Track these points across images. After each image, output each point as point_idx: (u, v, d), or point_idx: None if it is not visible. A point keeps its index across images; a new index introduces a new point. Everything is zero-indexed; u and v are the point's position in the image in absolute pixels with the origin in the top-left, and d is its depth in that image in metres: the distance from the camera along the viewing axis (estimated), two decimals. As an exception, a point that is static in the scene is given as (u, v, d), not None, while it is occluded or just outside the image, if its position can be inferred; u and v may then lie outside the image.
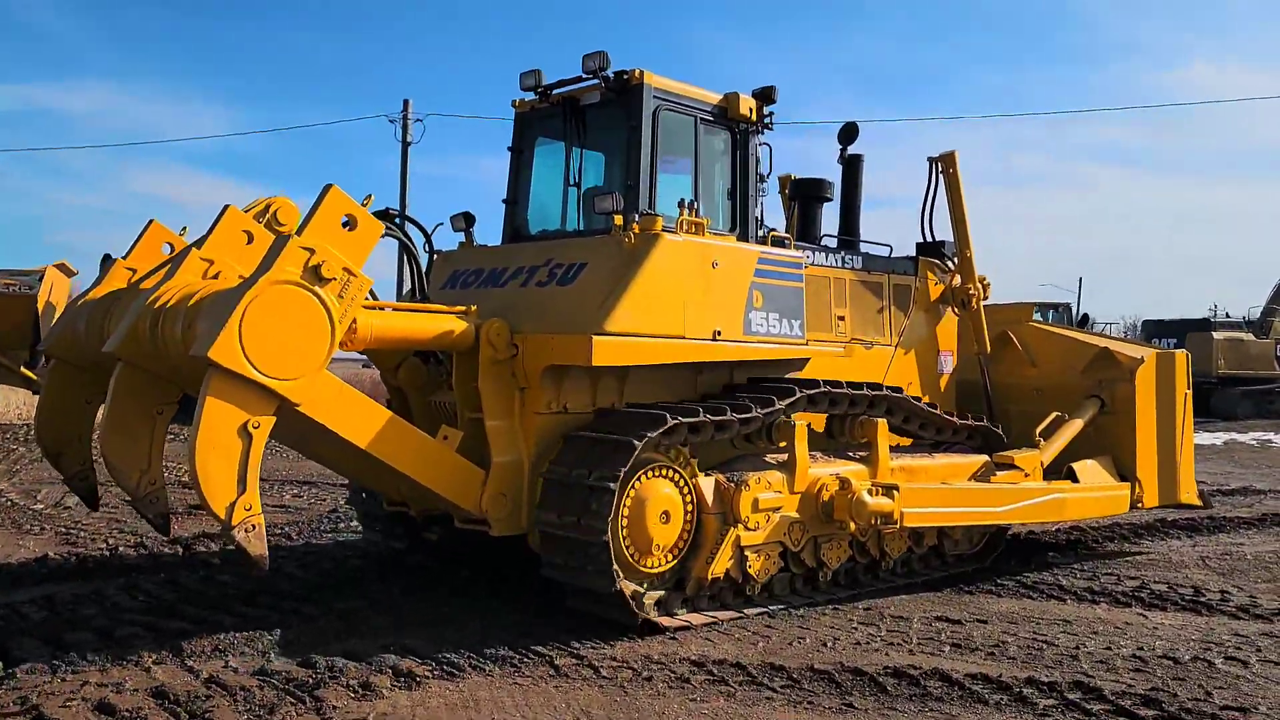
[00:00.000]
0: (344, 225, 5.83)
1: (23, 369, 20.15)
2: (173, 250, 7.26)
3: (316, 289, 5.61)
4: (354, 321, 6.08)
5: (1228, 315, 35.28)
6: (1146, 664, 6.19)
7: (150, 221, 7.40)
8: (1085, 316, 21.66)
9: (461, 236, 8.40)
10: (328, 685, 5.47)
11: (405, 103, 31.77)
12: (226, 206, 6.71)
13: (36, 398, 22.10)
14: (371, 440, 6.17)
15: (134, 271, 7.19)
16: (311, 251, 5.60)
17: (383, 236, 6.97)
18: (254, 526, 5.40)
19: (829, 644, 6.51)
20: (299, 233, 5.67)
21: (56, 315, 21.30)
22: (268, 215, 6.98)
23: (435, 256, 8.34)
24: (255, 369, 5.38)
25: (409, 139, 31.45)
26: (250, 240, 6.70)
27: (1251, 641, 6.71)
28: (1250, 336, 32.86)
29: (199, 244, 6.55)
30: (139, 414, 6.59)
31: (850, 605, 7.50)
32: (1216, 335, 31.66)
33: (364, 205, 5.95)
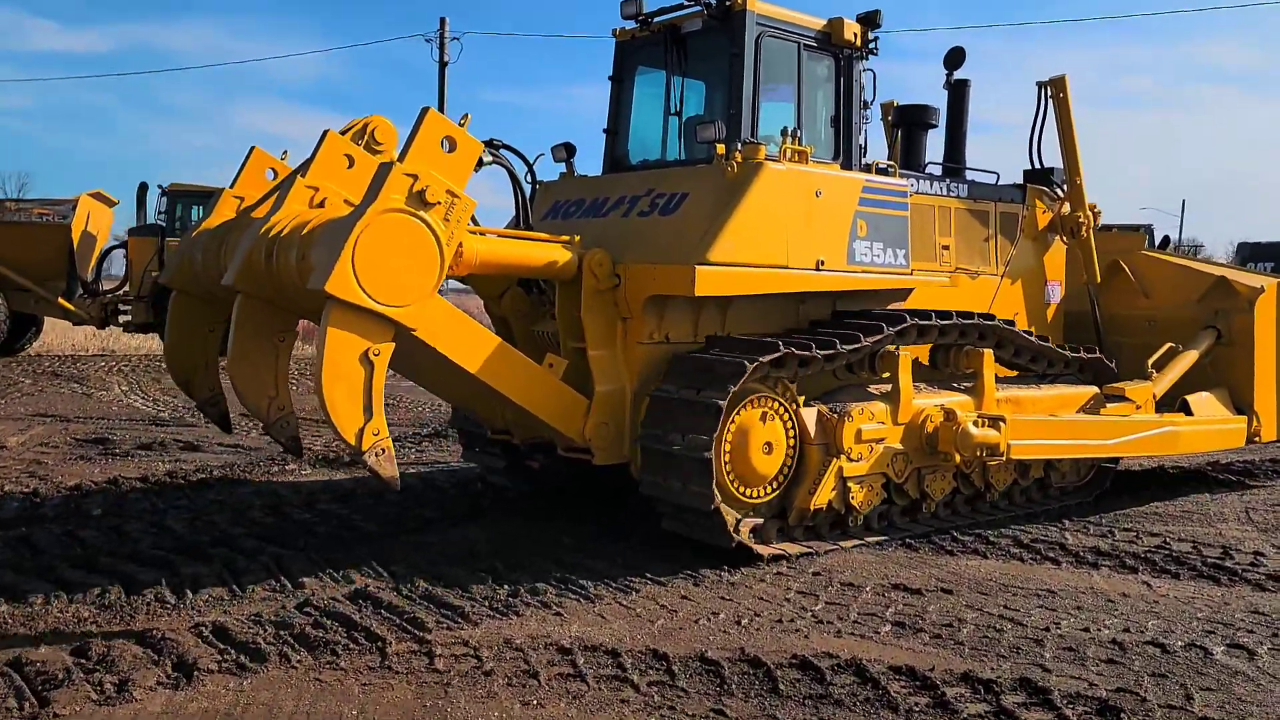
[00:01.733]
0: (444, 148, 5.86)
1: (60, 299, 20.61)
2: (276, 176, 7.42)
3: (423, 214, 5.69)
4: (460, 245, 6.15)
5: None
6: (1125, 653, 5.17)
7: (252, 149, 7.55)
8: (1166, 239, 20.38)
9: (563, 167, 8.41)
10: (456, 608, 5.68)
11: (441, 21, 30.76)
12: (326, 132, 6.77)
13: (79, 328, 22.75)
14: (481, 365, 6.28)
15: (242, 200, 7.35)
16: (415, 177, 5.66)
17: (488, 165, 7.07)
18: (383, 450, 5.61)
19: (744, 621, 5.55)
20: (400, 159, 5.72)
21: (98, 245, 21.68)
22: (365, 136, 7.02)
23: (537, 187, 8.37)
24: (371, 298, 5.51)
25: (446, 59, 30.51)
26: (351, 164, 6.77)
27: (1270, 622, 5.72)
28: None
29: (303, 171, 6.65)
30: (262, 343, 6.79)
31: (798, 571, 6.54)
32: None
33: (462, 125, 5.97)
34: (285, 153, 7.59)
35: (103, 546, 6.77)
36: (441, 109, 30.59)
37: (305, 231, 6.04)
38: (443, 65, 30.51)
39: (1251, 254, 31.41)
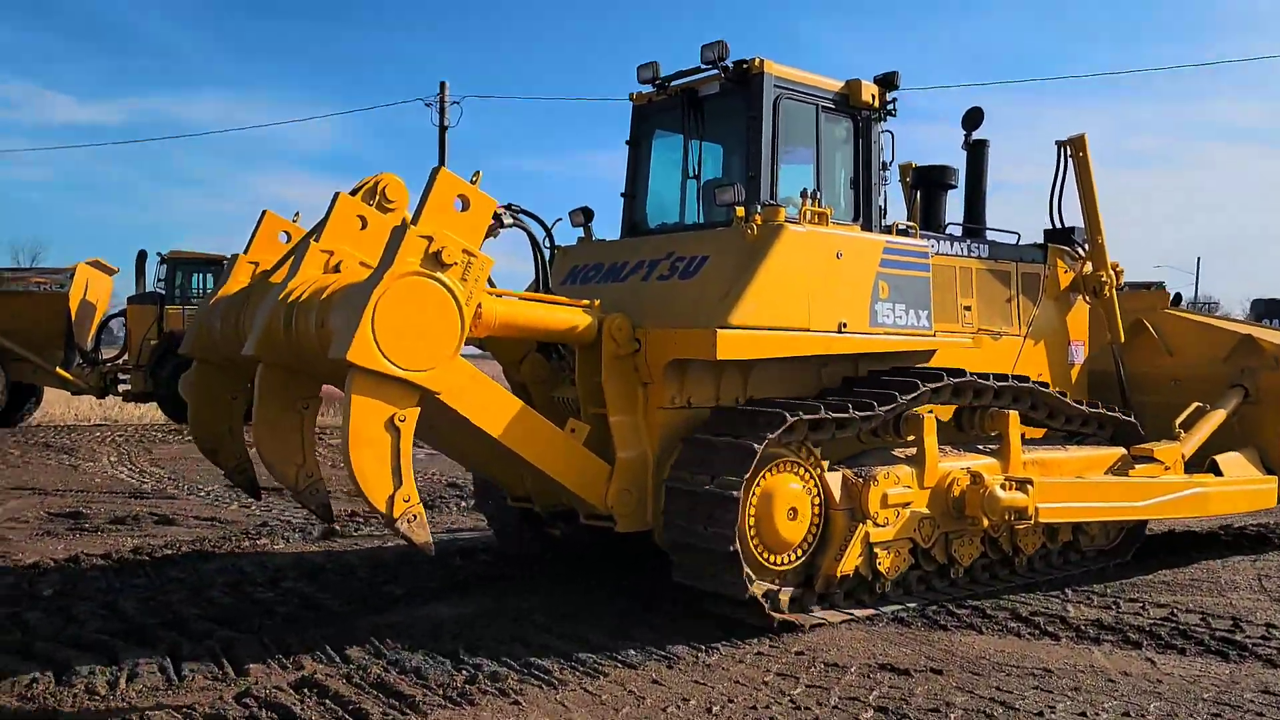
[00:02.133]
0: (457, 207, 5.82)
1: (59, 369, 20.59)
2: (290, 238, 7.41)
3: (440, 275, 5.63)
4: (479, 305, 6.10)
5: None
6: (1119, 742, 4.89)
7: (264, 212, 7.52)
8: (1178, 296, 20.18)
9: (580, 231, 8.39)
10: (473, 684, 5.55)
11: (442, 85, 30.84)
12: (337, 194, 6.76)
13: (82, 397, 22.61)
14: (504, 430, 6.20)
15: (256, 265, 7.34)
16: (430, 239, 5.60)
17: (508, 227, 7.05)
18: (415, 516, 5.52)
19: (716, 708, 5.21)
20: (414, 222, 5.68)
21: (97, 314, 21.69)
22: (377, 195, 7.02)
23: (555, 251, 8.35)
24: (393, 364, 5.45)
25: (446, 123, 30.54)
26: (364, 225, 6.77)
27: None
28: None
29: (316, 235, 6.63)
30: (285, 411, 6.74)
31: (781, 650, 6.21)
32: None
33: (473, 183, 5.93)
34: (297, 214, 7.60)
35: (44, 630, 6.45)
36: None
37: (324, 297, 6.01)
38: (443, 129, 30.55)
39: (1266, 310, 31.06)
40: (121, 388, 21.77)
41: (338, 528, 9.82)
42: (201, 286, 22.67)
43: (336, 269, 6.53)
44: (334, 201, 6.73)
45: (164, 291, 22.35)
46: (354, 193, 6.94)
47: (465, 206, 5.83)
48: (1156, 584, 7.99)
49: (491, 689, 5.43)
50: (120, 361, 21.87)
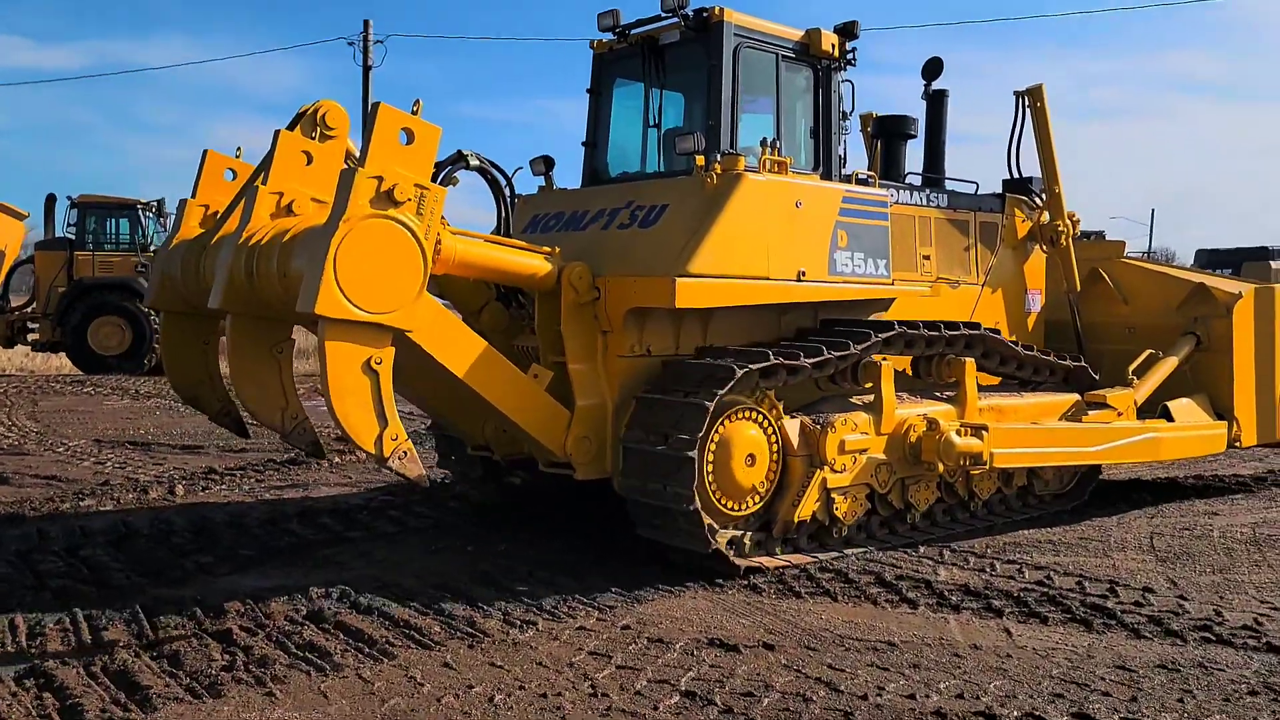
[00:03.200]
0: (402, 140, 5.79)
1: None
2: (236, 176, 7.37)
3: (395, 214, 5.64)
4: (439, 242, 6.11)
5: None
6: (943, 731, 4.43)
7: (205, 152, 7.44)
8: (1122, 245, 19.91)
9: (541, 180, 8.38)
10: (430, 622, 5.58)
11: (366, 23, 29.73)
12: (277, 133, 6.69)
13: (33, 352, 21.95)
14: (468, 370, 6.25)
15: (207, 207, 7.29)
16: (380, 179, 5.60)
17: (471, 169, 7.05)
18: (405, 453, 5.69)
19: (499, 697, 4.66)
20: (361, 162, 5.66)
21: (6, 261, 20.52)
22: (317, 125, 6.95)
23: (516, 200, 8.33)
24: (361, 309, 5.50)
25: (370, 63, 29.54)
26: (310, 160, 6.74)
27: (1133, 681, 4.91)
28: None
29: (263, 178, 6.58)
30: (261, 358, 6.79)
31: (609, 620, 5.74)
32: (1275, 265, 28.28)
33: (414, 113, 5.88)
34: (239, 150, 7.54)
35: None
36: (365, 116, 29.64)
37: (284, 242, 6.01)
38: (367, 69, 29.70)
39: (1209, 260, 31.00)
40: (30, 337, 21.35)
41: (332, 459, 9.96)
42: (115, 232, 22.16)
43: (289, 209, 6.50)
44: (275, 140, 6.66)
45: (73, 237, 21.76)
46: (293, 124, 6.85)
47: (410, 139, 5.80)
48: (1043, 542, 7.65)
49: (248, 677, 4.85)
50: (30, 309, 21.40)
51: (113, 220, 22.22)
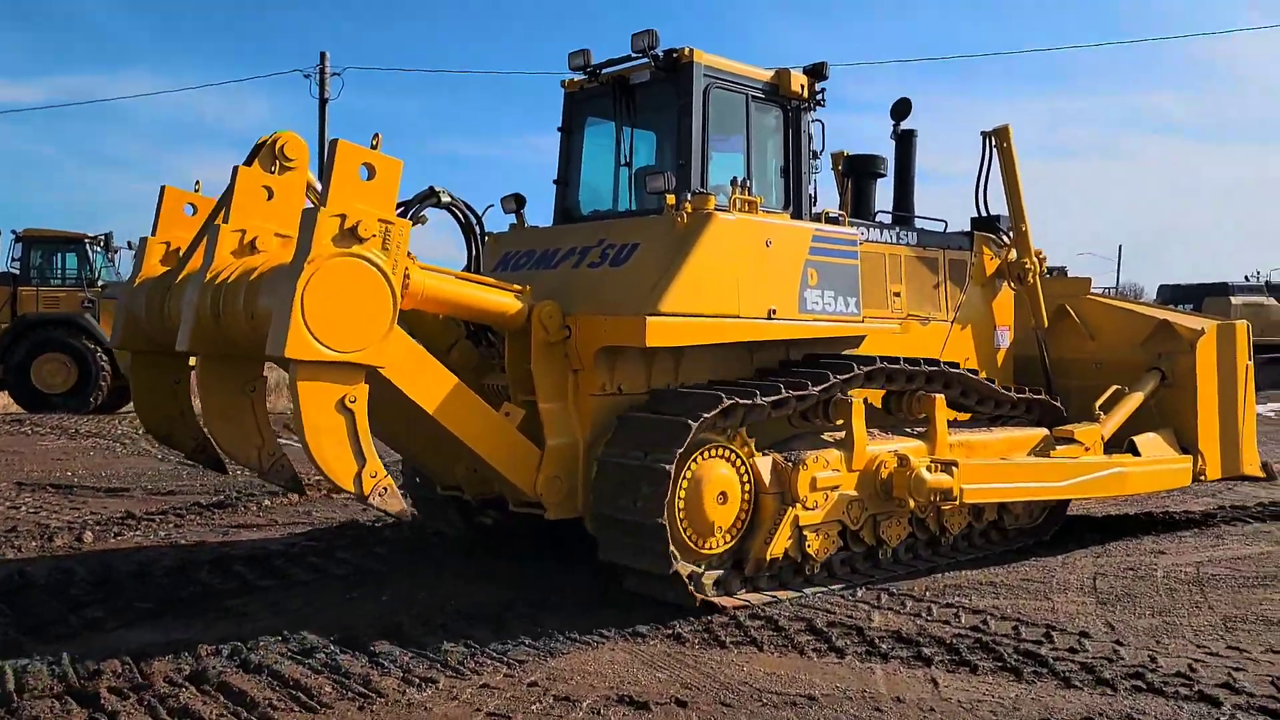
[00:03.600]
0: (363, 176, 5.76)
1: None
2: (196, 210, 7.31)
3: (360, 250, 5.61)
4: (408, 276, 6.10)
5: (1248, 278, 32.41)
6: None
7: (163, 188, 7.36)
8: (1062, 269, 18.53)
9: (513, 218, 8.41)
10: (384, 674, 5.47)
11: (322, 55, 29.70)
12: (235, 169, 6.64)
13: None
14: (439, 406, 6.23)
15: (168, 244, 7.23)
16: (342, 216, 5.57)
17: (441, 207, 7.05)
18: (386, 489, 5.64)
19: None
20: (323, 201, 5.64)
21: None
22: (276, 157, 6.87)
23: (486, 238, 8.35)
24: (331, 349, 5.47)
25: (326, 95, 29.52)
26: (271, 195, 6.67)
27: None
28: (1273, 301, 30.66)
29: (224, 216, 6.52)
30: (233, 397, 6.73)
31: (517, 676, 5.47)
32: (1235, 300, 29.43)
33: (374, 147, 5.86)
34: (198, 184, 7.48)
35: None
36: (322, 148, 28.35)
37: (250, 281, 5.98)
38: (323, 102, 29.53)
39: (1171, 296, 31.33)
40: None
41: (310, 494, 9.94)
42: (61, 267, 21.79)
43: (253, 246, 6.45)
44: (234, 177, 6.60)
45: (18, 272, 21.33)
46: (251, 158, 6.80)
47: (371, 174, 5.77)
48: (984, 584, 7.43)
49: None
50: None
51: (59, 255, 21.85)
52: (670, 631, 6.24)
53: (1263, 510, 10.30)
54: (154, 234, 7.34)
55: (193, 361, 7.10)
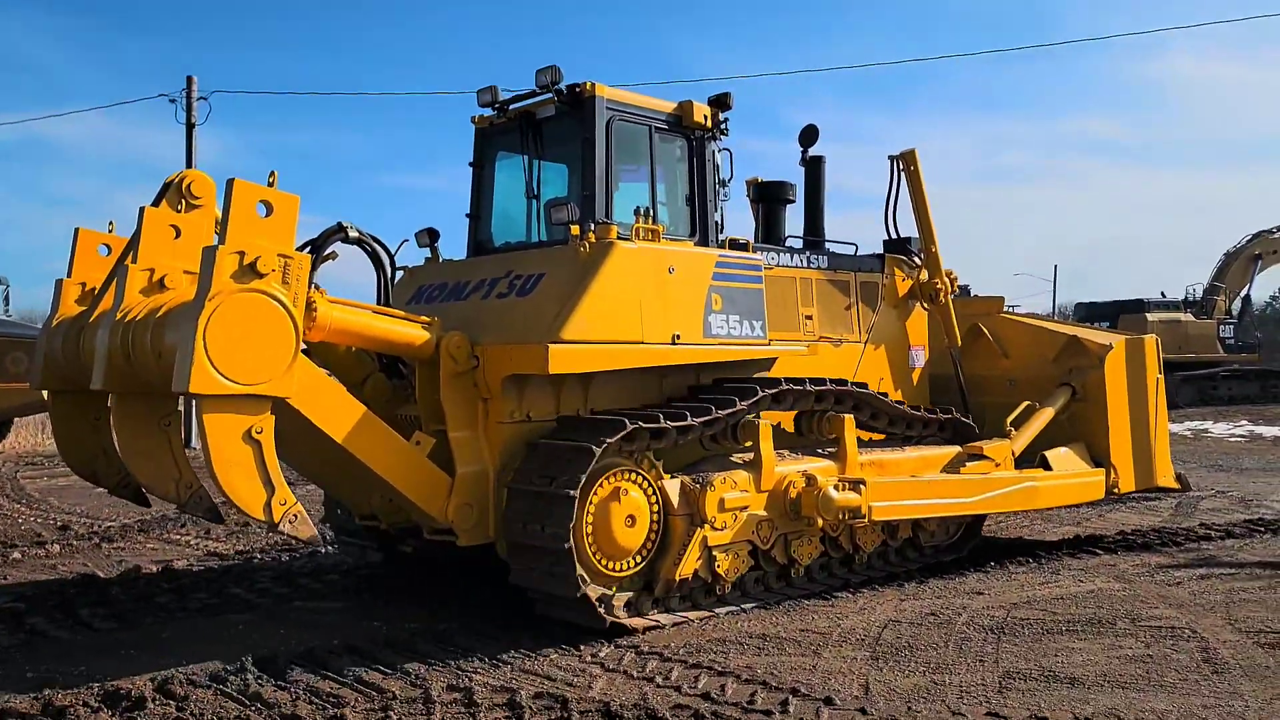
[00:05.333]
0: (261, 213, 5.88)
1: None
2: (110, 251, 7.43)
3: (259, 285, 5.74)
4: (314, 307, 6.25)
5: (1164, 295, 32.30)
6: None
7: (76, 230, 7.49)
8: (965, 289, 18.41)
9: (427, 252, 8.53)
10: (299, 701, 5.53)
11: (189, 79, 27.81)
12: (142, 209, 6.78)
13: None
14: (348, 434, 6.34)
15: (84, 285, 7.35)
16: (241, 253, 5.70)
17: (350, 243, 7.18)
18: (296, 516, 5.79)
19: None
20: (221, 240, 5.77)
21: None
22: (183, 196, 7.00)
23: (402, 272, 8.50)
24: (235, 383, 5.58)
25: (193, 120, 27.67)
26: (178, 234, 6.83)
27: None
28: (1189, 317, 30.66)
29: (133, 256, 6.65)
30: (149, 432, 6.83)
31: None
32: (1151, 317, 29.21)
33: (270, 185, 5.99)
34: (111, 224, 7.60)
35: None
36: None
37: (156, 319, 6.10)
38: (190, 126, 29.02)
39: (1087, 314, 31.37)
40: None
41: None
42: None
43: (162, 284, 6.58)
44: (141, 217, 6.73)
45: None
46: (159, 198, 6.92)
47: (269, 211, 5.90)
48: (757, 637, 6.69)
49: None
50: None
51: None
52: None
53: (1120, 540, 9.84)
54: (69, 275, 7.46)
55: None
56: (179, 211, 6.95)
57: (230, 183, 5.82)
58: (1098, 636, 6.60)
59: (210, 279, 5.62)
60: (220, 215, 7.01)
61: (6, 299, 22.54)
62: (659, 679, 5.83)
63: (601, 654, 6.35)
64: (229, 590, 8.04)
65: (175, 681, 5.69)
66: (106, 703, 5.44)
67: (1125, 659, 6.12)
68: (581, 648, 6.46)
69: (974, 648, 6.43)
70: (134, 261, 6.62)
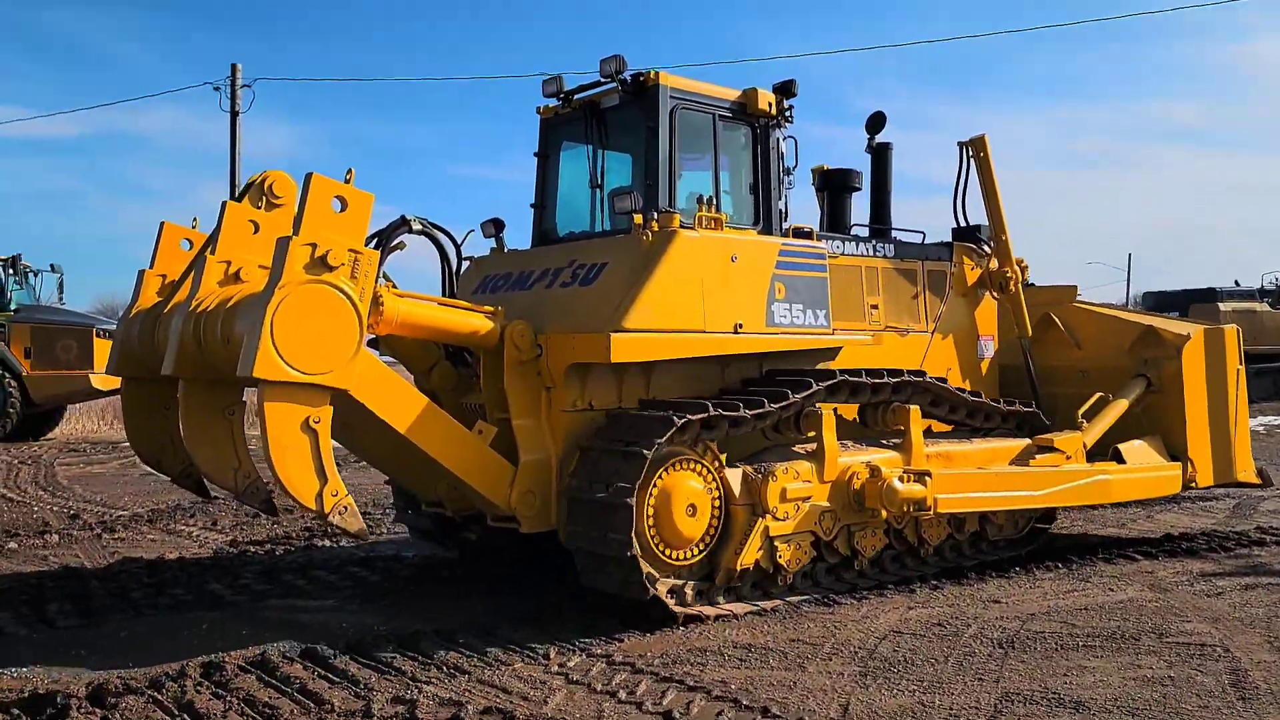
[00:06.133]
0: (336, 208, 6.01)
1: None
2: (192, 245, 7.61)
3: (328, 278, 5.86)
4: (380, 302, 6.37)
5: (1238, 284, 30.46)
6: None
7: (162, 224, 7.70)
8: (1074, 290, 18.28)
9: (492, 242, 8.60)
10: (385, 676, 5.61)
11: (233, 67, 28.50)
12: (224, 204, 6.96)
13: None
14: (410, 425, 6.43)
15: (164, 277, 7.54)
16: (314, 245, 5.83)
17: (416, 234, 7.26)
18: (346, 508, 5.87)
19: None
20: (296, 231, 5.88)
21: None
22: (264, 194, 7.15)
23: (468, 262, 8.59)
24: (298, 371, 5.71)
25: (237, 108, 28.45)
26: (257, 229, 6.97)
27: None
28: (1265, 307, 28.97)
29: (212, 248, 6.83)
30: (213, 420, 6.96)
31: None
32: (1224, 306, 27.61)
33: (347, 182, 6.11)
34: (195, 220, 7.78)
35: None
36: (234, 162, 28.25)
37: (227, 308, 6.25)
38: (234, 115, 28.94)
39: (1156, 303, 29.83)
40: None
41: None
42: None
43: (237, 276, 6.74)
44: (223, 211, 6.91)
45: None
46: (242, 195, 7.09)
47: (344, 206, 6.03)
48: (741, 647, 6.19)
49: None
50: None
51: None
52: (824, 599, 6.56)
53: (1162, 544, 9.20)
54: (151, 267, 7.67)
55: None
56: (259, 208, 7.10)
57: (308, 177, 5.97)
58: (1116, 654, 6.00)
59: (282, 269, 5.76)
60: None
61: (60, 287, 22.74)
62: (622, 693, 5.36)
63: (570, 664, 5.86)
64: (208, 586, 7.87)
65: (110, 687, 5.41)
66: (28, 709, 5.16)
67: (1142, 681, 5.50)
68: (551, 655, 5.97)
69: (976, 664, 5.85)
70: (213, 253, 6.79)
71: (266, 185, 7.18)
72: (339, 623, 6.92)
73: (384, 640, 6.32)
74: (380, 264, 6.44)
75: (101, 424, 24.33)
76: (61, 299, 22.65)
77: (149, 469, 8.15)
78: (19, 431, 20.54)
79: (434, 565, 8.64)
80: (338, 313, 5.90)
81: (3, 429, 20.04)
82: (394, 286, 7.14)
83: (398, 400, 6.44)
